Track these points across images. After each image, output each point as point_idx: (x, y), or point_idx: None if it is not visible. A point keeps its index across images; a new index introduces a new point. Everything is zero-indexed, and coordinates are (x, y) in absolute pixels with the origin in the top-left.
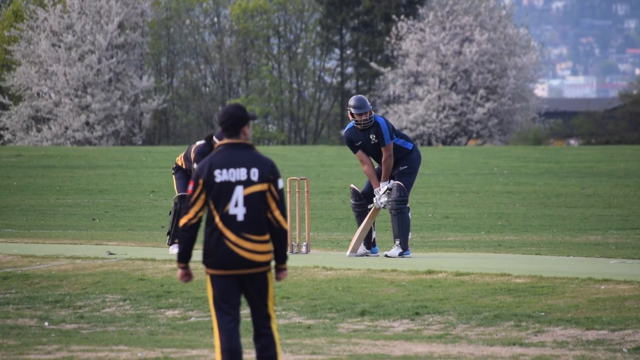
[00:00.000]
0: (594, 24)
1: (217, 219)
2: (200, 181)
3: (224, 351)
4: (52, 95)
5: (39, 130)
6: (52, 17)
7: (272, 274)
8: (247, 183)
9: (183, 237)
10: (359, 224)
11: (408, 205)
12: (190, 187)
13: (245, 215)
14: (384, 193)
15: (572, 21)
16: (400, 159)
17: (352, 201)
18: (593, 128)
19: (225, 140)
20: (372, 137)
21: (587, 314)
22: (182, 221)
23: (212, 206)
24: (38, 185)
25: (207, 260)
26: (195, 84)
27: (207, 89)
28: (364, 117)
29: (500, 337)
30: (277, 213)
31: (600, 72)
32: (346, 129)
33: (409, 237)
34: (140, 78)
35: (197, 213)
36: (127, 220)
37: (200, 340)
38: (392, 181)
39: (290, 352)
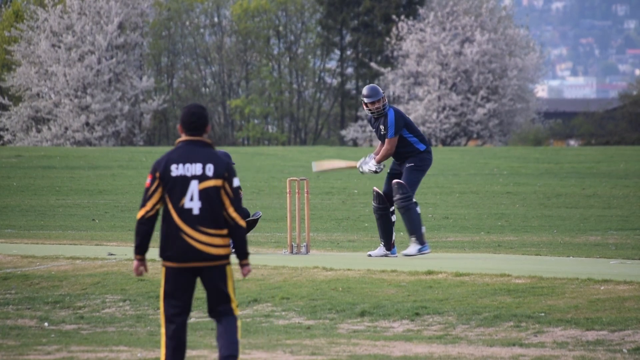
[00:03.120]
0: (593, 25)
1: (173, 212)
2: (157, 174)
3: (168, 346)
4: (52, 95)
5: (38, 131)
6: (52, 18)
7: (230, 269)
8: (202, 178)
9: (141, 230)
10: (381, 227)
11: (414, 200)
12: (148, 181)
13: (201, 209)
14: (371, 168)
15: (572, 22)
16: (409, 155)
17: (374, 204)
18: (593, 129)
19: (185, 138)
20: (382, 127)
21: (587, 315)
22: (140, 214)
23: (167, 200)
24: (38, 185)
25: (165, 254)
26: (195, 84)
27: (207, 90)
28: (376, 105)
29: (500, 338)
30: (231, 210)
31: (600, 72)
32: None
33: (423, 231)
34: (140, 78)
35: (154, 206)
36: (127, 221)
37: (200, 340)
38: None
39: (290, 353)
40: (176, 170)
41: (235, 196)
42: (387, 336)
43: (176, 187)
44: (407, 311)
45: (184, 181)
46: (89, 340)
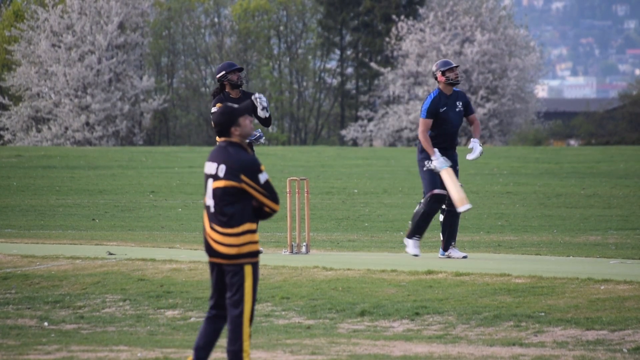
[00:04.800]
0: (593, 25)
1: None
2: None
3: (199, 333)
4: (52, 95)
5: (39, 131)
6: (53, 17)
7: (249, 268)
8: (215, 177)
9: None
10: (427, 223)
11: None
12: None
13: (215, 207)
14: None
15: (572, 22)
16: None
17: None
18: (593, 128)
19: (218, 139)
20: (459, 104)
21: (587, 314)
22: None
23: None
24: (38, 185)
25: None
26: (196, 84)
27: (207, 90)
28: (455, 71)
29: (500, 338)
30: (269, 203)
31: (600, 72)
32: (431, 99)
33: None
34: (141, 78)
35: None
36: (127, 221)
37: None
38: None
39: (290, 352)
40: (205, 169)
41: (267, 189)
42: (387, 336)
43: (204, 185)
44: (407, 311)
45: (206, 180)
46: (89, 340)
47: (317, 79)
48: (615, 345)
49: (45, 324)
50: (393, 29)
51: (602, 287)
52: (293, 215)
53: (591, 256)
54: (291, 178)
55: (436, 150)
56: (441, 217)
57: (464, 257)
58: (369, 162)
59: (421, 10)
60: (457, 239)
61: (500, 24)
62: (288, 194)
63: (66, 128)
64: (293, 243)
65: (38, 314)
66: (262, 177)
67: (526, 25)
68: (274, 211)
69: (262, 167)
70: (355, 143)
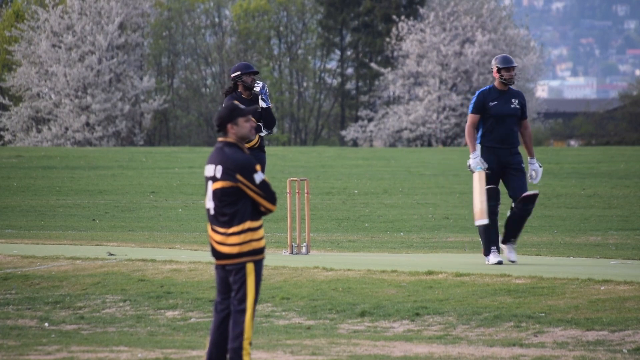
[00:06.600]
0: (594, 25)
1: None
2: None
3: (210, 340)
4: (52, 95)
5: (39, 131)
6: (53, 18)
7: (251, 266)
8: (213, 179)
9: None
10: (495, 229)
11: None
12: None
13: (214, 209)
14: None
15: (572, 22)
16: (518, 143)
17: (495, 202)
18: (593, 129)
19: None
20: (514, 102)
21: (587, 315)
22: None
23: None
24: (38, 185)
25: None
26: (196, 84)
27: (208, 90)
28: (511, 72)
29: (500, 338)
30: (265, 204)
31: (600, 72)
32: (479, 92)
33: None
34: (141, 79)
35: None
36: (127, 221)
37: (200, 341)
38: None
39: (290, 353)
40: (205, 171)
41: (263, 189)
42: (388, 336)
43: (204, 188)
44: (407, 311)
45: (206, 182)
46: (89, 340)
47: (317, 80)
48: (616, 345)
49: (46, 324)
50: (393, 29)
51: (603, 288)
52: (293, 215)
53: (591, 256)
54: (291, 178)
55: (477, 149)
56: (508, 213)
57: (512, 261)
58: (369, 163)
59: (422, 11)
60: (457, 239)
61: (501, 25)
62: (288, 195)
63: (66, 128)
64: (293, 243)
65: (38, 315)
66: (258, 177)
67: (527, 26)
68: (269, 211)
69: (258, 167)
70: (355, 143)
